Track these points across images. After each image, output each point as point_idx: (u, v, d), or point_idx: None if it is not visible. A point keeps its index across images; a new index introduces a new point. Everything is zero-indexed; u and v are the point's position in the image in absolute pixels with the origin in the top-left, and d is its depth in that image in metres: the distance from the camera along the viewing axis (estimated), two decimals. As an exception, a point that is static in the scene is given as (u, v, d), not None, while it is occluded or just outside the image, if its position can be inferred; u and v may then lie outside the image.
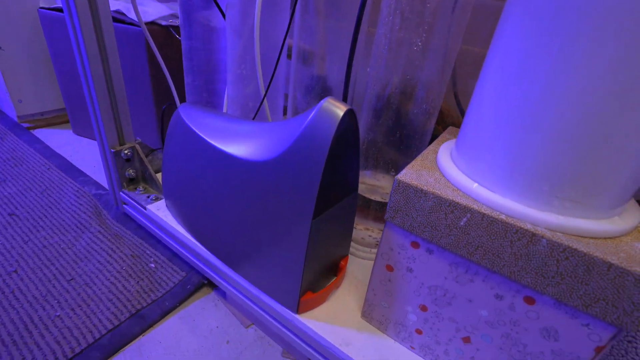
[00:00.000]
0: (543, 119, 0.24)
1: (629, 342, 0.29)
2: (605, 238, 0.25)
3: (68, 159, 0.83)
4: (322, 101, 0.31)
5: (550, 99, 0.23)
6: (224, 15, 0.51)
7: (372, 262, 0.50)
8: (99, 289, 0.50)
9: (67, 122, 1.03)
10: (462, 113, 0.51)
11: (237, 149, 0.38)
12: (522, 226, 0.25)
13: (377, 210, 0.48)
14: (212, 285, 0.54)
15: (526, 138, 0.25)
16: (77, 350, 0.41)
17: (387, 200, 0.47)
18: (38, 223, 0.61)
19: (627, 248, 0.24)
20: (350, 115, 0.32)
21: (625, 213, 0.27)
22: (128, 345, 0.44)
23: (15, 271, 0.51)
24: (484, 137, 0.28)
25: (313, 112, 0.31)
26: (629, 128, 0.22)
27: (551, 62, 0.22)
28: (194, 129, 0.43)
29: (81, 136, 0.95)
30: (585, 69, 0.21)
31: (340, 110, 0.31)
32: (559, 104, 0.23)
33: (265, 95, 0.46)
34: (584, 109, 0.22)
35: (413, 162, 0.33)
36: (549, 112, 0.23)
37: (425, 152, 0.36)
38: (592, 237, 0.25)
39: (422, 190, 0.29)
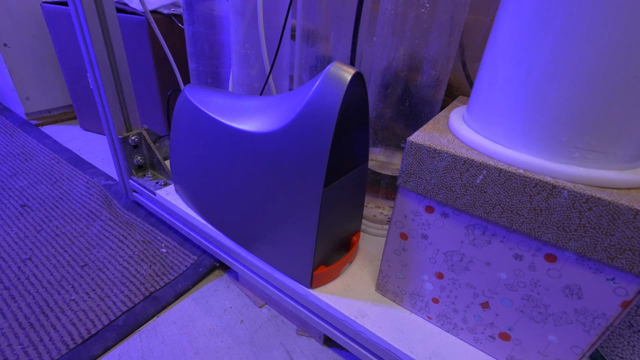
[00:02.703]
0: (561, 67, 0.23)
1: (656, 299, 0.28)
2: (629, 188, 0.24)
3: (77, 152, 0.84)
4: (329, 65, 0.31)
5: (568, 41, 0.22)
6: (226, -5, 0.50)
7: (385, 238, 0.49)
8: (112, 274, 0.50)
9: (75, 118, 1.04)
10: (471, 84, 0.50)
11: (245, 123, 0.37)
12: (542, 179, 0.24)
13: (387, 187, 0.48)
14: (224, 268, 0.54)
15: (543, 88, 0.24)
16: (93, 331, 0.42)
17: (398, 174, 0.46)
18: (50, 213, 0.61)
19: (653, 196, 0.23)
20: (358, 78, 0.31)
21: (649, 164, 0.26)
22: (143, 326, 0.44)
23: (30, 259, 0.51)
24: (497, 93, 0.27)
25: (320, 77, 0.31)
26: (654, 67, 0.21)
27: (570, 6, 0.21)
28: (200, 107, 0.42)
29: (89, 131, 0.96)
30: (608, 9, 0.20)
31: (348, 73, 0.30)
32: (578, 46, 0.22)
33: (270, 71, 0.46)
34: (608, 53, 0.21)
35: (425, 126, 0.33)
36: (568, 59, 0.22)
37: (436, 117, 0.35)
38: (615, 188, 0.24)
39: (435, 150, 0.28)
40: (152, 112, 0.78)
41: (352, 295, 0.39)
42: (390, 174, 0.46)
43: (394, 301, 0.38)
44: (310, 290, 0.39)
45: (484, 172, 0.26)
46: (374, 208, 0.50)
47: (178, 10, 0.73)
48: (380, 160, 0.49)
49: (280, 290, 0.43)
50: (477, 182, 0.27)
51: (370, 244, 0.47)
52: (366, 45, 0.57)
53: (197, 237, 0.52)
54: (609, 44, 0.21)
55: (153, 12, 0.69)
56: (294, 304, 0.41)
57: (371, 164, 0.48)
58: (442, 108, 0.51)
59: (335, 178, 0.34)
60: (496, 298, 0.31)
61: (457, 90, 0.51)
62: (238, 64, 0.53)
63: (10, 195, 0.65)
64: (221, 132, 0.40)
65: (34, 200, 0.65)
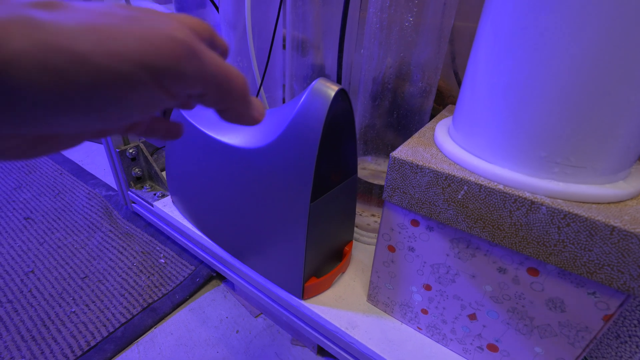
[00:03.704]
0: (537, 82, 0.23)
1: (641, 311, 0.28)
2: (608, 203, 0.24)
3: (79, 163, 0.85)
4: (313, 82, 0.31)
5: (544, 60, 0.22)
6: (217, 9, 0.51)
7: (378, 247, 0.49)
8: (112, 285, 0.51)
9: (78, 128, 1.06)
10: (463, 92, 0.50)
11: (234, 138, 0.38)
12: (521, 195, 0.24)
13: (381, 196, 0.48)
14: (221, 277, 0.54)
15: (521, 103, 0.24)
16: (93, 343, 0.43)
17: (389, 184, 0.46)
18: (52, 225, 0.63)
19: (632, 211, 0.23)
20: (342, 94, 0.31)
21: (630, 177, 0.26)
22: (141, 337, 0.45)
23: (32, 271, 0.53)
24: (479, 107, 0.27)
25: (305, 94, 0.31)
26: (628, 87, 0.21)
27: (544, 24, 0.22)
28: (192, 122, 0.43)
29: (91, 141, 0.97)
30: (579, 25, 0.21)
31: (331, 90, 0.30)
32: (553, 65, 0.22)
33: (261, 84, 0.46)
34: (580, 68, 0.21)
35: (409, 140, 0.33)
36: (543, 74, 0.23)
37: (422, 129, 0.36)
38: (594, 203, 0.24)
39: (417, 165, 0.28)
40: (151, 123, 0.79)
41: (343, 306, 0.39)
42: (383, 182, 0.47)
43: (385, 311, 0.39)
44: (303, 302, 0.39)
45: (465, 187, 0.27)
46: (369, 216, 0.50)
47: (174, 22, 0.74)
48: (373, 168, 0.49)
49: (274, 300, 0.43)
50: (459, 197, 0.27)
51: (364, 253, 0.48)
52: (357, 53, 0.57)
53: (194, 248, 0.53)
54: (581, 61, 0.21)
55: (149, 24, 0.70)
56: (287, 314, 0.42)
57: (364, 173, 0.48)
58: (433, 115, 0.52)
59: (323, 192, 0.35)
60: (483, 310, 0.31)
61: (449, 97, 0.51)
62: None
63: (14, 208, 0.67)
64: (212, 146, 0.40)
65: (37, 212, 0.66)
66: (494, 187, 0.25)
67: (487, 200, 0.26)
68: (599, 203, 0.24)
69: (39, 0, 0.10)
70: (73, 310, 0.47)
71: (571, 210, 0.23)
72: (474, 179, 0.26)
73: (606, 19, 0.20)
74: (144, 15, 0.12)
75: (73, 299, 0.49)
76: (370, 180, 0.48)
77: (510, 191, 0.25)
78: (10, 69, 0.09)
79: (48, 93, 0.10)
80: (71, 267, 0.54)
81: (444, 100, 0.51)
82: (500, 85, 0.25)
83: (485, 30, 0.26)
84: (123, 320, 0.46)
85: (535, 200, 0.24)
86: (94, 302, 0.48)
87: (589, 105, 0.22)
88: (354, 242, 0.49)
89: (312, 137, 0.31)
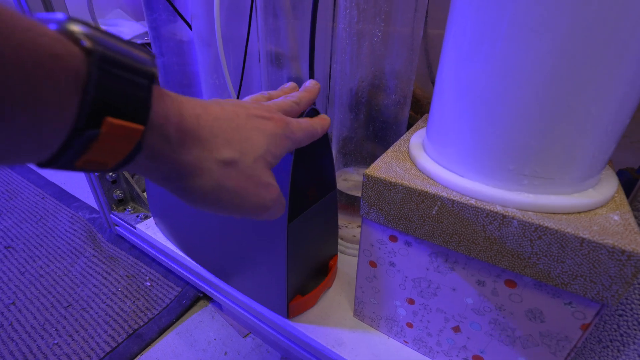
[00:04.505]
0: (499, 96, 0.23)
1: (620, 316, 0.28)
2: (579, 212, 0.24)
3: (62, 186, 0.84)
4: (283, 103, 0.31)
5: (504, 74, 0.22)
6: (189, 26, 0.50)
7: (364, 258, 0.49)
8: (96, 312, 0.50)
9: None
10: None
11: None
12: (492, 209, 0.24)
13: (363, 206, 0.48)
14: (209, 298, 0.54)
15: (486, 117, 0.24)
16: (76, 376, 0.42)
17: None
18: (34, 253, 0.61)
19: (601, 220, 0.23)
20: (313, 113, 0.31)
21: (600, 184, 0.26)
22: (127, 366, 0.44)
23: (13, 303, 0.51)
24: (448, 121, 0.27)
25: (275, 115, 0.31)
26: (586, 100, 0.21)
27: (502, 38, 0.22)
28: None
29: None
30: (538, 41, 0.21)
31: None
32: (513, 79, 0.22)
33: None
34: (539, 82, 0.21)
35: (384, 154, 0.33)
36: (504, 89, 0.23)
37: (398, 142, 0.36)
38: (565, 213, 0.24)
39: (390, 182, 0.28)
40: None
41: (329, 323, 0.39)
42: (364, 194, 0.47)
43: (372, 326, 0.38)
44: (288, 321, 0.39)
45: (438, 203, 0.27)
46: (354, 228, 0.50)
47: (151, 39, 0.73)
48: (355, 179, 0.49)
49: (261, 320, 0.43)
50: (433, 212, 0.27)
51: (350, 266, 0.47)
52: (333, 64, 0.57)
53: (179, 270, 0.52)
54: (539, 76, 0.21)
55: (125, 43, 0.69)
56: (274, 333, 0.41)
57: (347, 184, 0.48)
58: (411, 124, 0.52)
59: (301, 211, 0.34)
60: (466, 322, 0.31)
61: (427, 105, 0.51)
62: (208, 94, 0.54)
63: (-6, 237, 0.65)
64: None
65: (18, 240, 0.65)
66: (466, 202, 0.25)
67: (461, 215, 0.26)
68: (569, 213, 0.24)
69: (224, 159, 0.19)
70: (56, 342, 0.46)
71: (541, 223, 0.23)
72: (446, 195, 0.26)
73: (561, 35, 0.20)
74: (267, 184, 0.21)
75: (56, 329, 0.47)
76: (353, 192, 0.47)
77: (482, 205, 0.25)
78: (193, 191, 0.18)
79: (204, 204, 0.19)
80: (54, 296, 0.52)
81: (422, 109, 0.51)
82: (466, 99, 0.25)
83: (449, 43, 0.26)
84: (108, 349, 0.45)
85: (507, 214, 0.24)
86: (77, 331, 0.47)
87: (550, 118, 0.22)
88: (340, 255, 0.49)
89: (285, 158, 0.30)
